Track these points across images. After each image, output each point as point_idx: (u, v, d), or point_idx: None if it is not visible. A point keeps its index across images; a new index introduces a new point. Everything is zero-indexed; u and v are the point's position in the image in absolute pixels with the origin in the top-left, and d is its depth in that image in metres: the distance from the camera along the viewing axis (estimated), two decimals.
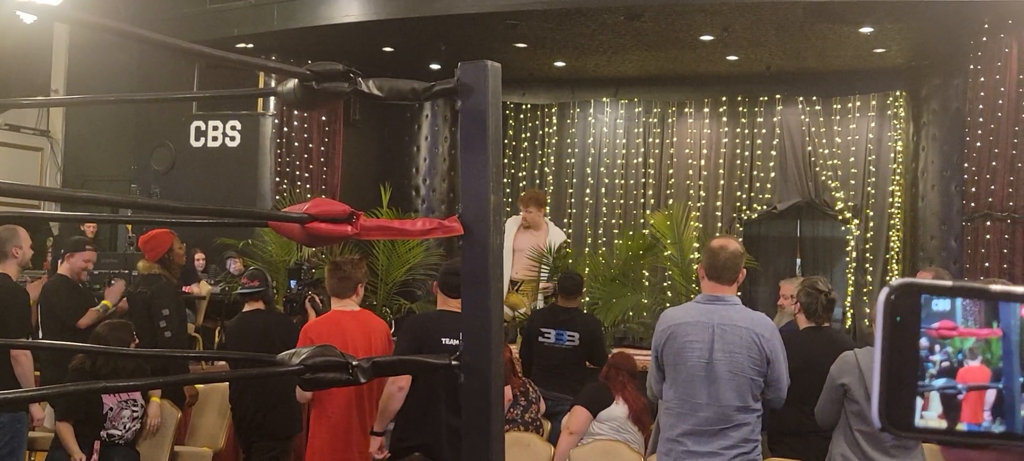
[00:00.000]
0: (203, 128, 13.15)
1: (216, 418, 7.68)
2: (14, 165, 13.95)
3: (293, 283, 8.35)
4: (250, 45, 12.74)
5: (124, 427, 6.64)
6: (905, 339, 0.87)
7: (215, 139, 13.13)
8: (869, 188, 14.43)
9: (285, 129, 13.38)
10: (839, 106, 14.53)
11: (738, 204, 14.98)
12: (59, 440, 6.54)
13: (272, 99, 13.42)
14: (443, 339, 5.21)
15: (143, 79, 13.66)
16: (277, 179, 13.18)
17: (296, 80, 1.98)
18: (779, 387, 4.80)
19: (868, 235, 14.42)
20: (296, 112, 13.33)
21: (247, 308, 6.91)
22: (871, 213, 14.43)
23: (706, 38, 12.24)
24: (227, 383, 7.00)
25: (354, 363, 2.00)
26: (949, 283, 0.88)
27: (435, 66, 13.25)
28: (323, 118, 13.68)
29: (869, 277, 14.17)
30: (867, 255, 14.37)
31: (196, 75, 13.63)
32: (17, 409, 6.35)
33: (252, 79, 13.32)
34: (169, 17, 12.76)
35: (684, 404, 4.74)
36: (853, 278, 14.27)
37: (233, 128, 13.14)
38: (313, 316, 7.36)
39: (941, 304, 0.87)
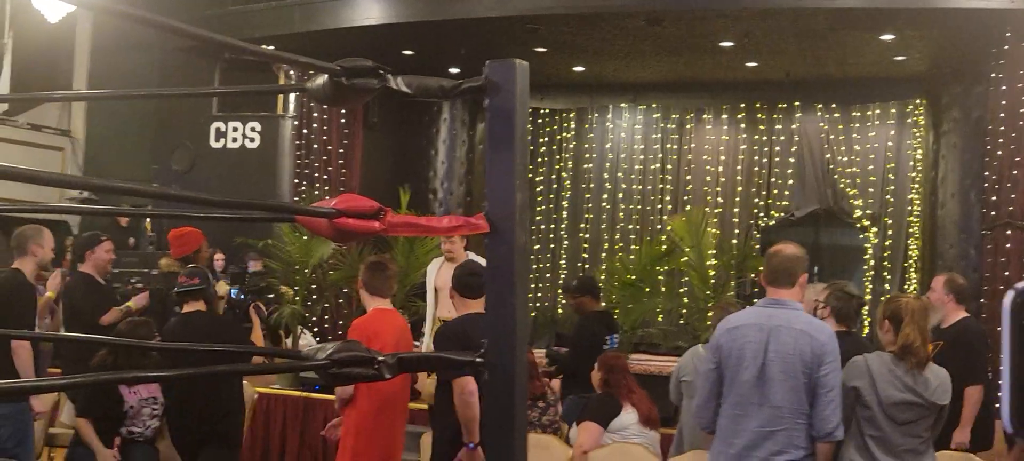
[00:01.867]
0: (223, 129, 13.23)
1: None
2: (36, 164, 14.00)
3: (234, 291, 7.97)
4: (271, 47, 12.78)
5: (144, 425, 6.66)
6: None
7: (235, 140, 13.20)
8: (888, 196, 14.37)
9: (304, 131, 13.42)
10: (858, 113, 14.48)
11: (755, 211, 14.94)
12: (79, 437, 6.57)
13: (292, 101, 13.47)
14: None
15: (164, 81, 13.73)
16: (296, 181, 13.22)
17: (326, 76, 1.99)
18: (824, 414, 4.59)
19: (886, 243, 14.36)
20: (315, 114, 13.37)
21: (187, 308, 6.55)
22: (890, 221, 14.37)
23: (726, 44, 12.22)
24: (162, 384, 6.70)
25: (380, 358, 2.01)
26: None
27: (455, 70, 13.27)
28: (342, 120, 13.71)
29: (887, 285, 14.11)
30: (885, 263, 14.32)
31: (217, 77, 13.69)
32: (18, 400, 6.38)
33: (272, 82, 13.39)
34: (190, 19, 12.82)
35: (736, 406, 4.70)
36: (871, 286, 14.20)
37: (253, 129, 13.20)
38: (258, 324, 7.42)
39: None
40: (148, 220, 12.87)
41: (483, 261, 7.32)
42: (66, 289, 7.72)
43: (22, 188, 11.06)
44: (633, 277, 10.70)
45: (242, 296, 7.77)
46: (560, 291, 15.40)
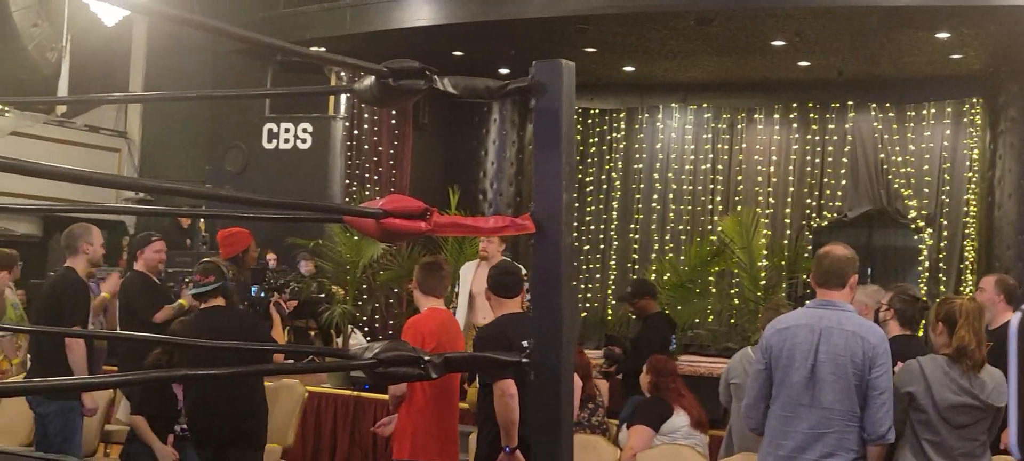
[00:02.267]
0: (275, 130, 13.37)
1: (286, 415, 7.78)
2: (93, 165, 14.24)
3: (254, 288, 7.85)
4: (322, 49, 12.89)
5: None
6: None
7: (287, 141, 13.34)
8: (943, 197, 14.16)
9: (355, 132, 13.53)
10: (913, 113, 14.29)
11: (808, 212, 14.80)
12: (135, 434, 6.67)
13: (343, 102, 13.58)
14: (525, 343, 5.23)
15: (217, 83, 13.90)
16: (347, 181, 13.32)
17: (373, 77, 2.01)
18: (877, 416, 4.56)
19: (942, 245, 14.15)
20: (366, 116, 13.47)
21: (209, 304, 6.31)
22: (945, 222, 14.16)
23: (778, 43, 12.12)
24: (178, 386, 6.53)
25: (426, 358, 2.03)
26: None
27: (504, 70, 13.30)
28: (392, 121, 13.80)
29: (942, 287, 13.90)
30: (941, 265, 14.11)
31: (269, 78, 13.84)
32: (68, 398, 6.47)
33: (323, 83, 13.51)
34: (243, 21, 12.97)
35: (786, 407, 4.66)
36: (926, 288, 14.00)
37: (304, 130, 13.32)
38: (278, 321, 7.37)
39: None
40: (202, 220, 13.03)
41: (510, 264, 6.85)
42: (121, 288, 7.83)
43: (79, 189, 11.24)
44: (683, 278, 10.65)
45: (262, 294, 7.70)
46: (610, 296, 15.37)
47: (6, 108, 13.24)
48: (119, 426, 7.66)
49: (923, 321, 6.04)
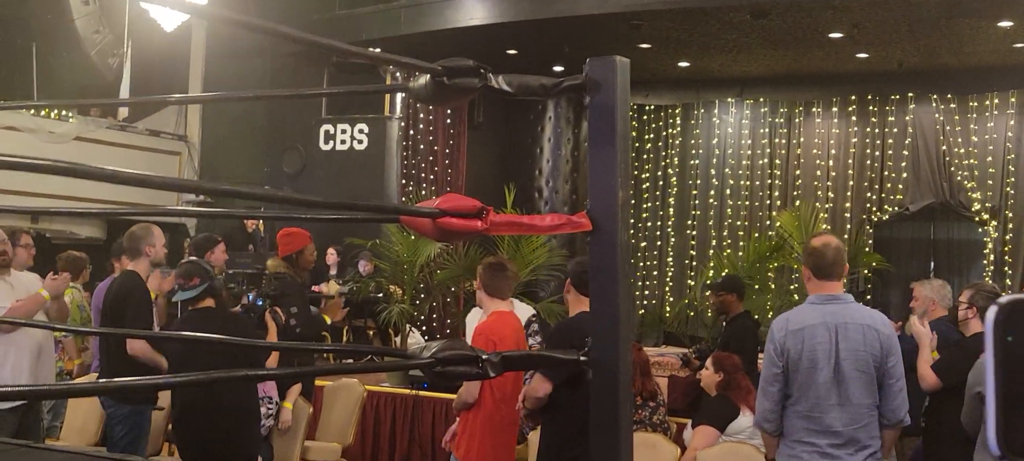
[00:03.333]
0: (332, 131, 13.48)
1: (345, 414, 7.84)
2: (155, 168, 14.46)
3: (251, 295, 7.29)
4: (378, 49, 12.98)
5: (260, 423, 6.82)
6: (1019, 358, 0.81)
7: (343, 142, 13.44)
8: (1008, 188, 13.90)
9: (411, 132, 13.60)
10: (976, 104, 14.05)
11: (868, 205, 14.62)
12: None
13: (398, 103, 13.65)
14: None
15: (275, 85, 14.05)
16: (403, 181, 13.40)
17: (428, 76, 2.01)
18: (895, 403, 4.61)
19: (1007, 237, 13.89)
20: (421, 115, 13.54)
21: (199, 306, 5.99)
22: (1010, 214, 13.90)
23: (835, 35, 11.98)
24: (170, 392, 6.41)
25: (484, 357, 2.02)
26: None
27: (558, 68, 13.28)
28: (448, 120, 13.86)
29: (1008, 281, 13.65)
30: (1006, 258, 13.86)
31: (325, 80, 13.96)
32: (139, 403, 6.53)
33: (378, 84, 13.60)
34: (299, 23, 13.09)
35: (814, 408, 4.62)
36: (991, 282, 13.75)
37: (361, 131, 13.41)
38: (273, 331, 6.87)
39: None
40: (261, 222, 13.17)
41: (524, 311, 6.57)
42: None
43: (141, 192, 11.41)
44: (742, 274, 10.55)
45: (258, 301, 7.09)
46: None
47: (70, 113, 13.48)
48: None
49: None
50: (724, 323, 8.74)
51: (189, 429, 5.82)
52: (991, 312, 0.82)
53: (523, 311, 6.64)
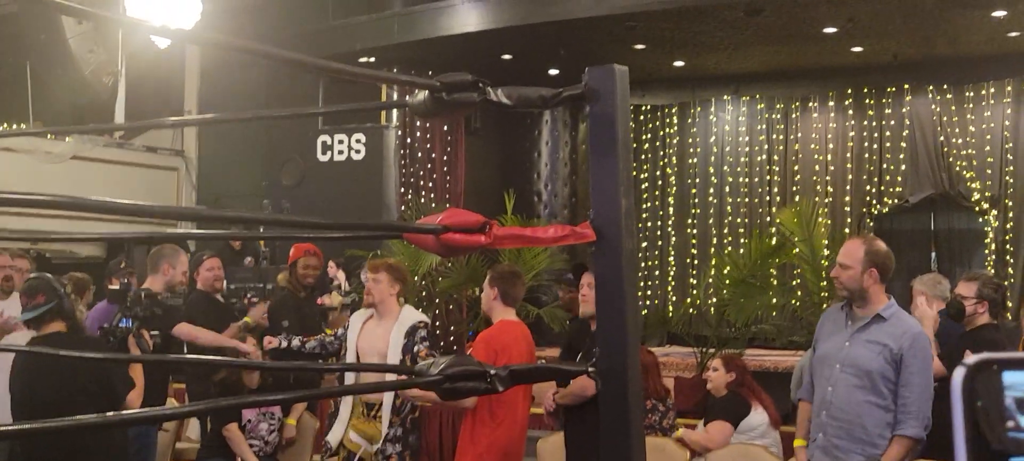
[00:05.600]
0: (329, 142, 13.47)
1: None
2: (152, 185, 14.47)
3: (124, 320, 6.16)
4: (372, 59, 12.97)
5: (263, 439, 6.82)
6: (991, 423, 0.75)
7: (341, 153, 13.43)
8: (1007, 177, 13.89)
9: (408, 140, 13.59)
10: (972, 93, 14.04)
11: (868, 198, 14.62)
12: (206, 452, 6.80)
13: (395, 112, 13.65)
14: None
15: (271, 98, 14.05)
16: (402, 190, 13.39)
17: (426, 92, 2.00)
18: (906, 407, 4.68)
19: (1008, 226, 13.88)
20: (418, 123, 13.52)
21: (45, 330, 5.11)
22: (1010, 203, 13.88)
23: (830, 30, 11.98)
24: None
25: (492, 372, 2.01)
26: None
27: (554, 71, 13.28)
28: (445, 128, 13.85)
29: (1010, 270, 13.65)
30: (1007, 247, 13.85)
31: (321, 91, 13.96)
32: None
33: (374, 92, 13.59)
34: (293, 34, 13.09)
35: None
36: (992, 271, 13.74)
37: (358, 141, 13.41)
38: (137, 354, 5.97)
39: None
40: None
41: (413, 316, 6.07)
42: (186, 306, 7.88)
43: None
44: (744, 273, 10.54)
45: (123, 321, 6.05)
46: (670, 292, 15.25)
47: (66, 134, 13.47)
48: (190, 444, 7.75)
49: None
50: (568, 323, 8.75)
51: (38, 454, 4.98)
52: (958, 375, 0.75)
53: (411, 317, 6.18)
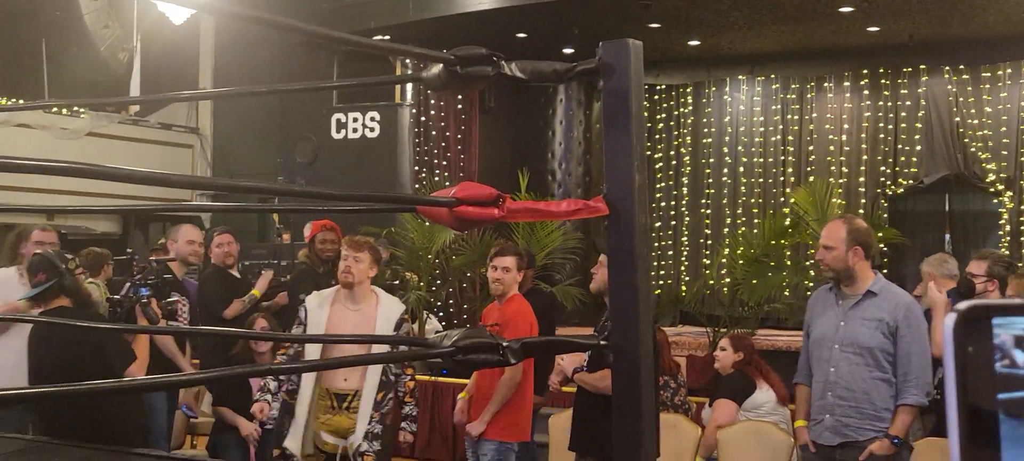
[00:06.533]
0: (343, 120, 13.50)
1: None
2: (167, 161, 14.52)
3: (128, 286, 6.24)
4: (387, 37, 12.96)
5: (271, 418, 6.86)
6: (980, 370, 0.74)
7: (355, 130, 13.46)
8: (1022, 158, 13.81)
9: (422, 118, 13.59)
10: (988, 74, 13.95)
11: (882, 179, 14.56)
12: (220, 425, 6.86)
13: (409, 89, 13.65)
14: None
15: (285, 75, 14.06)
16: (416, 168, 13.40)
17: (441, 65, 2.01)
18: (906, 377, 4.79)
19: (1023, 207, 13.81)
20: (433, 102, 13.53)
21: (50, 306, 5.14)
22: None
23: (845, 9, 11.91)
24: None
25: (504, 344, 2.03)
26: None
27: (568, 50, 13.25)
28: (459, 106, 13.85)
29: None
30: (1022, 228, 13.79)
31: (335, 69, 13.96)
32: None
33: (387, 71, 13.60)
34: (307, 12, 13.09)
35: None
36: (1008, 253, 13.69)
37: (372, 119, 13.43)
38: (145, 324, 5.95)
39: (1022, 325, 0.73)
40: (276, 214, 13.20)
41: (395, 307, 5.64)
42: (199, 282, 7.93)
43: (155, 188, 11.42)
44: (757, 252, 10.53)
45: (141, 290, 5.99)
46: (684, 271, 15.23)
47: (82, 110, 13.53)
48: (206, 418, 7.80)
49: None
50: None
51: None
52: (949, 321, 0.75)
53: (394, 307, 5.75)
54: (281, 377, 5.64)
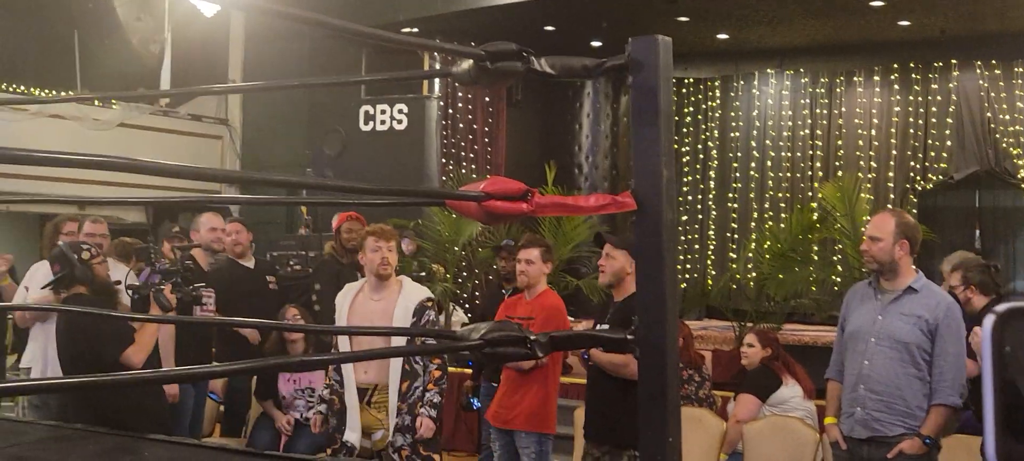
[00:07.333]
0: (372, 112, 13.54)
1: None
2: (197, 152, 14.61)
3: (144, 274, 6.47)
4: (415, 30, 12.99)
5: (301, 414, 6.91)
6: (1017, 369, 0.76)
7: (383, 123, 13.50)
8: None
9: (450, 111, 13.62)
10: (1021, 70, 13.81)
11: (912, 175, 14.46)
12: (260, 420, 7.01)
13: (437, 82, 13.69)
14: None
15: (315, 69, 14.11)
16: (443, 160, 13.43)
17: (471, 61, 2.03)
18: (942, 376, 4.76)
19: None
20: (460, 94, 13.55)
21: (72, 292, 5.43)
22: None
23: (876, 3, 11.84)
24: None
25: (532, 337, 2.04)
26: None
27: (596, 43, 13.24)
28: (487, 99, 13.87)
29: None
30: None
31: (363, 61, 14.00)
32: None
33: (416, 62, 13.62)
34: (336, 5, 13.13)
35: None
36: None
37: (400, 111, 13.46)
38: (156, 313, 5.97)
39: None
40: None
41: (417, 292, 5.52)
42: (215, 272, 7.86)
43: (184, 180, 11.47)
44: (784, 247, 10.49)
45: (156, 278, 6.09)
46: (710, 266, 15.18)
47: (114, 101, 13.64)
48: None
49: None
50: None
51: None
52: (988, 321, 0.78)
53: (416, 293, 5.64)
54: (330, 381, 5.71)
